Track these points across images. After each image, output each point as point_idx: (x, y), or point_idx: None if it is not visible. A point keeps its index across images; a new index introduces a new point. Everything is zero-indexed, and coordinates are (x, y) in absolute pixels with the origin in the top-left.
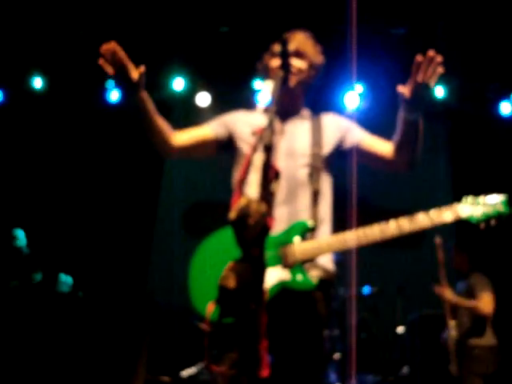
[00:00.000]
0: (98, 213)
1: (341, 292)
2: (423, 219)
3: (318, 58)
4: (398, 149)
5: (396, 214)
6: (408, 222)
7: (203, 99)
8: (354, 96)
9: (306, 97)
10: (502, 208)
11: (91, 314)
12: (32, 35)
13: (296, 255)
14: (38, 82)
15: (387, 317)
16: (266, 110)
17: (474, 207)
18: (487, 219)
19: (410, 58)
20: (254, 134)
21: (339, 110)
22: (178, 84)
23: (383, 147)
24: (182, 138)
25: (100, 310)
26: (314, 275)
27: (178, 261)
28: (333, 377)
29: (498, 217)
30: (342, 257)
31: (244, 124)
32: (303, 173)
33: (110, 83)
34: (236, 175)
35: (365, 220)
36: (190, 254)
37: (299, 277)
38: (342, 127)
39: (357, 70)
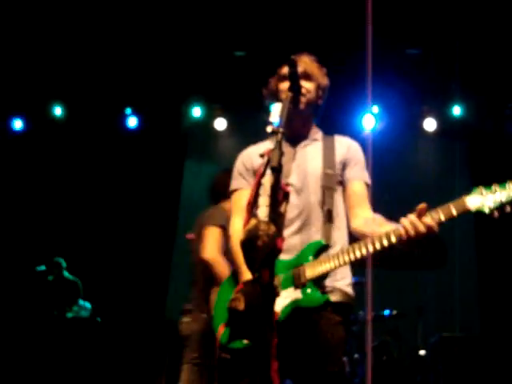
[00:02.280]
0: (118, 237)
1: (360, 315)
2: (429, 218)
3: (324, 80)
4: (358, 234)
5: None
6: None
7: (220, 124)
8: (370, 117)
9: (315, 118)
10: None
11: (110, 339)
12: (52, 65)
13: (306, 273)
14: (58, 111)
15: (409, 339)
16: (274, 132)
17: (485, 197)
18: (501, 206)
19: (425, 78)
20: (261, 156)
21: (357, 132)
22: (196, 111)
23: (357, 208)
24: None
25: (119, 335)
26: (332, 299)
27: None
28: None
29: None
30: (361, 279)
31: (255, 157)
32: (316, 197)
33: (128, 110)
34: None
35: None
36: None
37: (308, 290)
38: (349, 154)
39: (373, 92)
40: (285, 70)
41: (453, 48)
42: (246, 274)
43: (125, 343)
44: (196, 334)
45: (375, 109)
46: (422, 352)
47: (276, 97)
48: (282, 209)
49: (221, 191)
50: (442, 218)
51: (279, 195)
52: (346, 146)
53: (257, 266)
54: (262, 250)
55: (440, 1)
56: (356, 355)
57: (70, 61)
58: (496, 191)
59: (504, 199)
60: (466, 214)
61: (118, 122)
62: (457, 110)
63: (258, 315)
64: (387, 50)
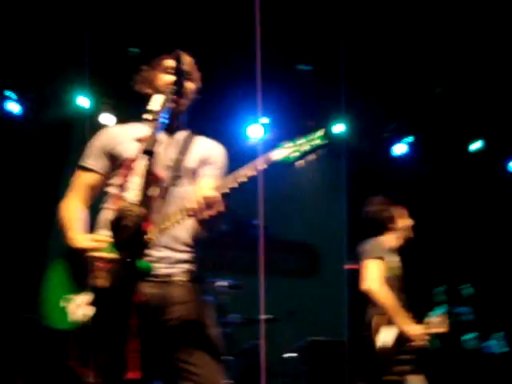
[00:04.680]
0: None
1: (234, 318)
2: (237, 172)
3: (200, 83)
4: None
5: (294, 243)
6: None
7: (107, 118)
8: (258, 128)
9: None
10: (318, 141)
11: None
12: None
13: None
14: None
15: (279, 343)
16: (152, 120)
17: (290, 149)
18: (303, 155)
19: (313, 94)
20: (137, 140)
21: (242, 141)
22: (83, 101)
23: None
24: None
25: None
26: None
27: None
28: None
29: (315, 150)
30: (234, 282)
31: (126, 138)
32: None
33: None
34: (115, 181)
35: (266, 246)
36: None
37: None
38: (209, 153)
39: (263, 103)
40: (170, 63)
41: (339, 68)
42: (75, 236)
43: None
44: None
45: (265, 120)
46: (287, 355)
47: (155, 88)
48: (152, 192)
49: (382, 223)
50: (249, 173)
51: (150, 179)
52: (208, 145)
53: (123, 245)
54: (129, 229)
55: (325, 22)
56: (229, 358)
57: None
58: (300, 143)
59: (307, 149)
60: (272, 164)
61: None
62: (339, 128)
63: (121, 294)
64: (278, 65)
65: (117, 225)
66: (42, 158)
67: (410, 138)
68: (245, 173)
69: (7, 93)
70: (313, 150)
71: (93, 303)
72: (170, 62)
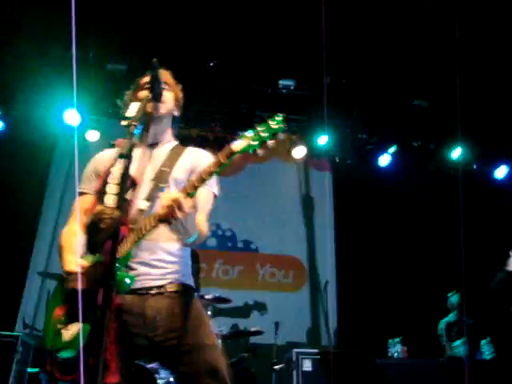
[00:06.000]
0: None
1: (221, 331)
2: (202, 170)
3: (180, 93)
4: None
5: (280, 258)
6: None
7: (92, 135)
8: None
9: (173, 128)
10: (276, 126)
11: None
12: None
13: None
14: None
15: (266, 355)
16: (128, 125)
17: (250, 138)
18: (263, 142)
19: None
20: (113, 146)
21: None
22: (69, 118)
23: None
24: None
25: None
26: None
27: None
28: None
29: (274, 135)
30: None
31: (109, 158)
32: (145, 192)
33: None
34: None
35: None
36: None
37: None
38: (197, 161)
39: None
40: (145, 79)
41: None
42: (70, 264)
43: None
44: None
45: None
46: (278, 366)
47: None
48: (129, 196)
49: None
50: (212, 168)
51: (127, 183)
52: (196, 155)
53: (98, 247)
54: (104, 232)
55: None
56: None
57: None
58: (257, 130)
59: (266, 134)
60: (233, 155)
61: None
62: (323, 140)
63: (97, 296)
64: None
65: (92, 228)
66: (25, 174)
67: (394, 148)
68: (209, 169)
69: None
70: (272, 136)
71: (66, 304)
72: (145, 78)
